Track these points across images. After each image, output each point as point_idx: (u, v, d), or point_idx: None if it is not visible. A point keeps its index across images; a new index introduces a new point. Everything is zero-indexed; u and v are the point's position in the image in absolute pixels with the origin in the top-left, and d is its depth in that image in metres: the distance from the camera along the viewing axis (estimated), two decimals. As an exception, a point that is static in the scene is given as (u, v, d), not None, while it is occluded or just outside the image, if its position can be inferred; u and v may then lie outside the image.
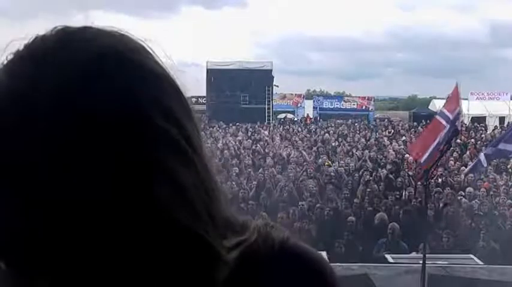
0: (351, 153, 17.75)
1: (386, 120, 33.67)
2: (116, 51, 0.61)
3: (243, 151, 17.43)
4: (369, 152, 17.94)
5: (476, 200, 11.60)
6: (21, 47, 0.61)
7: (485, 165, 9.03)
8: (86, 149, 0.55)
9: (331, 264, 0.73)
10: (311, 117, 34.91)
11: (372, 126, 29.33)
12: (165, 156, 0.58)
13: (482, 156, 9.05)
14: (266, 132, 24.14)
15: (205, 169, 0.63)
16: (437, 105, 27.82)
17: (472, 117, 32.31)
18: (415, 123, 29.36)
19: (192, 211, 0.59)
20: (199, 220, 0.59)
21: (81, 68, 0.57)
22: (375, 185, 12.56)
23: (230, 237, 0.65)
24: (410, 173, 13.79)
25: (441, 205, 11.22)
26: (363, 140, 21.82)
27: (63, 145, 0.55)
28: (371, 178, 13.16)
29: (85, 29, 0.62)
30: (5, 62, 0.60)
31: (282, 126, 28.32)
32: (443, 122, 7.13)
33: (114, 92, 0.58)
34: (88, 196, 0.55)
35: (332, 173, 13.92)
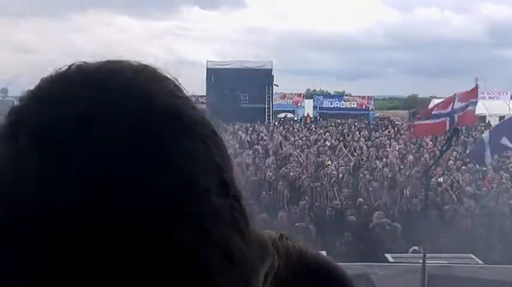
0: (351, 152, 17.74)
1: (386, 120, 33.66)
2: (163, 106, 0.52)
3: (243, 151, 17.41)
4: (369, 151, 17.94)
5: (476, 199, 11.60)
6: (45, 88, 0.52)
7: (488, 156, 9.23)
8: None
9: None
10: (311, 116, 34.89)
11: (371, 126, 29.31)
12: (217, 229, 0.50)
13: (486, 137, 9.17)
14: (266, 132, 24.12)
15: (247, 222, 0.55)
16: (437, 104, 27.80)
17: (472, 117, 32.30)
18: (415, 123, 29.34)
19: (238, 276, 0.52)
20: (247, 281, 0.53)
21: (126, 132, 0.48)
22: (375, 185, 12.56)
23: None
24: (410, 172, 13.79)
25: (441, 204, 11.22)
26: (362, 139, 21.81)
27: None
28: (371, 178, 13.15)
29: (125, 80, 0.52)
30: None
31: (282, 126, 28.29)
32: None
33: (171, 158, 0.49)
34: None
35: (332, 173, 13.91)
